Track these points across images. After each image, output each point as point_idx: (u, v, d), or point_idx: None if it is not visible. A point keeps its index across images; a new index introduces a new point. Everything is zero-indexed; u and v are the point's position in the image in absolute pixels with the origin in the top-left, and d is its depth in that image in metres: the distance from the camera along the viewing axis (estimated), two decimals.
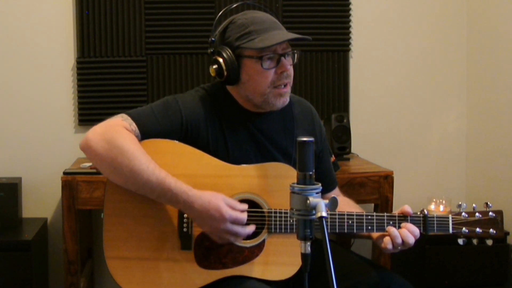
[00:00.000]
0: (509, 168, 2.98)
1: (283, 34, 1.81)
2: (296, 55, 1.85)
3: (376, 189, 2.72)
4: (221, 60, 1.81)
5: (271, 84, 1.81)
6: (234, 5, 2.01)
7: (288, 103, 1.95)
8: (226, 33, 1.85)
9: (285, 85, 1.84)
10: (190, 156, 1.80)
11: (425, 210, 1.84)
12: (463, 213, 1.84)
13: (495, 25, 3.10)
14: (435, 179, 3.33)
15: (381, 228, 1.81)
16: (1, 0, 3.02)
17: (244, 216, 1.73)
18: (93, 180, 2.58)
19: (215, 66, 1.82)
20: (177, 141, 1.81)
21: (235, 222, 1.71)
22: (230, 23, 1.84)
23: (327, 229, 1.76)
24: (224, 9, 1.95)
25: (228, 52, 1.81)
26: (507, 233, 2.88)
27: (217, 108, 1.88)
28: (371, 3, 3.25)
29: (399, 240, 1.77)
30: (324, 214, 1.33)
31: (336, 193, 2.07)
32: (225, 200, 1.72)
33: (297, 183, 1.39)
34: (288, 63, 1.83)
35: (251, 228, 1.75)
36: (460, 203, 1.86)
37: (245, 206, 1.75)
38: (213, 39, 1.86)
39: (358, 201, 2.68)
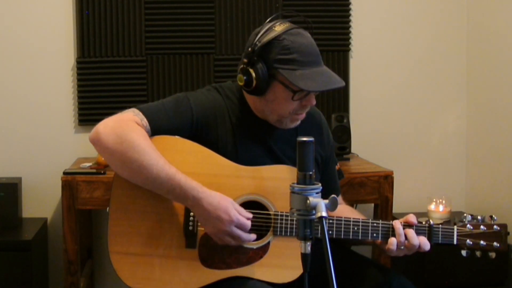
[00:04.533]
0: (509, 168, 2.98)
1: (325, 79, 1.78)
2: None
3: (376, 189, 2.72)
4: (254, 74, 1.76)
5: (292, 112, 1.82)
6: (286, 19, 1.86)
7: None
8: (266, 48, 1.77)
9: (303, 113, 1.85)
10: (198, 154, 1.80)
11: (430, 221, 1.83)
12: (468, 225, 1.84)
13: (495, 25, 3.10)
14: (435, 179, 3.33)
15: (386, 235, 1.80)
16: (1, 0, 3.03)
17: (248, 223, 1.74)
18: (93, 180, 2.58)
19: (245, 77, 1.78)
20: (186, 139, 1.81)
21: (240, 227, 1.72)
22: (274, 39, 1.76)
23: (332, 234, 1.78)
24: (271, 17, 1.83)
25: (263, 68, 1.76)
26: (507, 233, 2.87)
27: (229, 109, 1.87)
28: (371, 3, 3.25)
29: (403, 238, 1.77)
30: (324, 214, 1.33)
31: (338, 201, 2.06)
32: (233, 204, 1.73)
33: (297, 183, 1.40)
34: (314, 98, 1.83)
35: (253, 236, 1.76)
36: (465, 214, 1.87)
37: (250, 215, 1.75)
38: (254, 49, 1.77)
39: (358, 201, 2.71)
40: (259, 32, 1.79)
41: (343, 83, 1.81)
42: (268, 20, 1.82)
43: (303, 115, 1.86)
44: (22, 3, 3.03)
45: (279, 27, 1.78)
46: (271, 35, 1.76)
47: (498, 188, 3.06)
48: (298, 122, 1.87)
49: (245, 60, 1.79)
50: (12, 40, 3.05)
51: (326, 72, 1.81)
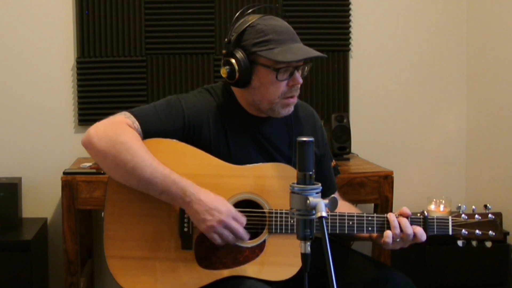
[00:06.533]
0: (509, 168, 2.98)
1: (303, 50, 1.79)
2: (307, 68, 1.84)
3: (376, 189, 2.72)
4: (235, 62, 1.78)
5: (281, 95, 1.81)
6: (253, 9, 1.89)
7: None
8: (243, 36, 1.80)
9: (293, 96, 1.85)
10: (191, 155, 1.80)
11: (425, 212, 1.84)
12: (463, 215, 1.84)
13: (495, 25, 3.10)
14: (435, 179, 3.33)
15: (381, 229, 1.81)
16: (1, 0, 3.03)
17: (244, 218, 1.74)
18: (93, 180, 2.58)
19: (227, 68, 1.80)
20: (178, 141, 1.81)
21: (236, 219, 1.72)
22: (248, 26, 1.80)
23: (327, 229, 1.78)
24: (241, 9, 1.88)
25: (243, 56, 1.78)
26: (507, 233, 2.88)
27: (220, 109, 1.88)
28: (371, 3, 3.25)
29: (398, 231, 1.78)
30: (324, 214, 1.33)
31: None
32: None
33: (297, 183, 1.40)
34: (300, 77, 1.83)
35: (247, 234, 1.75)
36: (459, 205, 1.87)
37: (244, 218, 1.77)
38: (230, 39, 1.81)
39: (358, 201, 2.71)
40: (232, 25, 1.83)
41: (325, 55, 1.83)
42: (237, 14, 1.85)
43: (294, 99, 1.85)
44: (22, 3, 3.03)
45: (251, 18, 1.83)
46: (245, 24, 1.81)
47: (498, 188, 3.06)
48: (291, 108, 1.86)
49: (224, 52, 1.82)
50: (12, 40, 3.05)
51: (304, 47, 1.82)
